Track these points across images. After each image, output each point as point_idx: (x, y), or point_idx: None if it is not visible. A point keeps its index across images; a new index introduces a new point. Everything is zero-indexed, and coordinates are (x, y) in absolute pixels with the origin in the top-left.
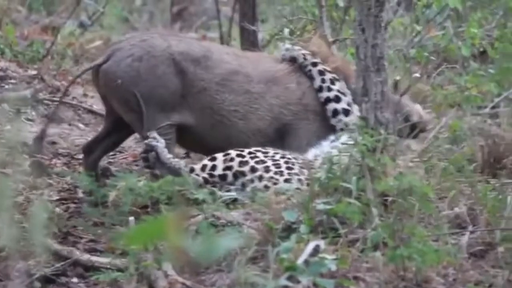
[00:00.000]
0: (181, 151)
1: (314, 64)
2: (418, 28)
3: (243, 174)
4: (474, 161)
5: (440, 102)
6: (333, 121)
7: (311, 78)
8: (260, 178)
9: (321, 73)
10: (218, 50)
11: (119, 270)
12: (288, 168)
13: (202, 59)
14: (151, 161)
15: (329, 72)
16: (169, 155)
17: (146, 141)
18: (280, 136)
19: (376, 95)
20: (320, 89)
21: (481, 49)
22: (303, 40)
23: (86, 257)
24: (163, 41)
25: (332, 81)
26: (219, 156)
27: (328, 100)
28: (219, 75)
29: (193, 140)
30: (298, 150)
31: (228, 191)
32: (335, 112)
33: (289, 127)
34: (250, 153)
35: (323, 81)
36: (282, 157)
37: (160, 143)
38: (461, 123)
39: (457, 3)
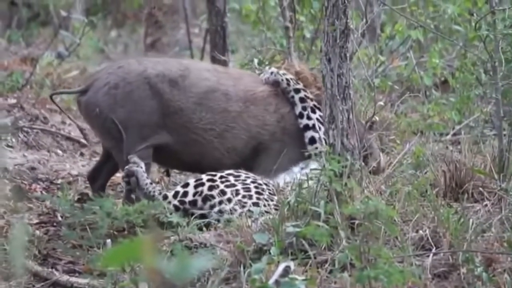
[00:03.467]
0: (161, 169)
1: (297, 91)
2: (382, 58)
3: (212, 197)
4: (436, 185)
5: (403, 129)
6: (310, 148)
7: (292, 104)
8: (229, 200)
9: (303, 100)
10: (197, 68)
11: None
12: (257, 192)
13: (179, 79)
14: (132, 186)
15: (311, 99)
16: (147, 181)
17: (127, 166)
18: (254, 154)
19: (342, 122)
20: (300, 116)
21: (443, 79)
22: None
23: (65, 278)
24: (139, 66)
25: (313, 109)
26: (191, 182)
27: (306, 127)
28: (197, 94)
29: (170, 158)
30: (267, 169)
31: (205, 216)
32: (312, 140)
33: (264, 146)
34: (221, 177)
35: (304, 108)
36: (253, 182)
37: (140, 168)
38: (424, 149)
39: (419, 34)
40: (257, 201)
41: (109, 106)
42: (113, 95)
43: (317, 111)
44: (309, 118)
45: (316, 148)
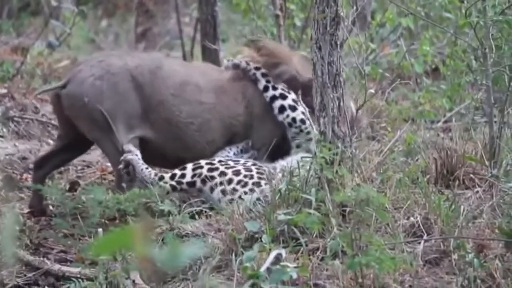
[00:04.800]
0: None
1: (257, 68)
2: (373, 46)
3: (212, 178)
4: (428, 172)
5: (394, 117)
6: (280, 117)
7: (255, 81)
8: (230, 181)
9: (265, 75)
10: (168, 61)
11: (89, 279)
12: (259, 172)
13: (156, 69)
14: (132, 174)
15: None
16: (143, 166)
17: (122, 157)
18: (228, 144)
19: (333, 110)
20: (265, 89)
21: (433, 66)
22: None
23: (57, 267)
24: (119, 59)
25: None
26: (189, 165)
27: (274, 97)
28: (173, 85)
29: (153, 154)
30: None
31: (203, 202)
32: (282, 108)
33: (239, 136)
34: (220, 161)
35: (268, 81)
36: (254, 164)
37: (135, 155)
38: (415, 136)
39: (409, 22)
40: (258, 180)
41: (96, 97)
42: (99, 86)
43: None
44: (274, 88)
45: (287, 115)
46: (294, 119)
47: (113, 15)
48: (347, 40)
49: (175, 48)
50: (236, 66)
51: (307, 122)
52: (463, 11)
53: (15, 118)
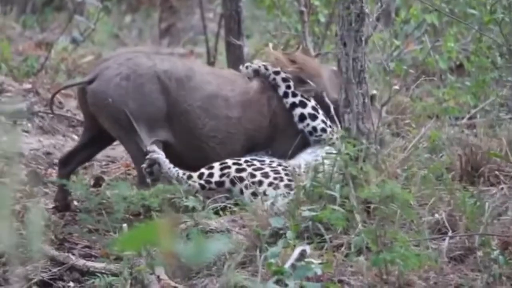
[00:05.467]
0: None
1: (277, 73)
2: (397, 42)
3: (241, 179)
4: (452, 169)
5: (419, 113)
6: (300, 125)
7: (275, 86)
8: (260, 183)
9: (285, 80)
10: (200, 70)
11: (114, 274)
12: (286, 174)
13: (185, 78)
14: (156, 174)
15: (292, 79)
16: (170, 165)
17: (147, 156)
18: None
19: (358, 106)
20: (285, 95)
21: (458, 63)
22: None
23: (81, 262)
24: (148, 60)
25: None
26: (216, 165)
27: (294, 105)
28: (201, 98)
29: (173, 157)
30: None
31: (228, 198)
32: (302, 117)
33: (260, 147)
34: (246, 161)
35: (288, 87)
36: (279, 165)
37: (160, 155)
38: (440, 133)
39: (434, 18)
40: (288, 182)
41: (120, 97)
42: (124, 87)
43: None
44: (294, 95)
45: (308, 124)
46: (314, 128)
47: (137, 10)
48: (372, 36)
49: (199, 44)
50: (256, 72)
51: (328, 130)
52: (488, 7)
53: (40, 113)
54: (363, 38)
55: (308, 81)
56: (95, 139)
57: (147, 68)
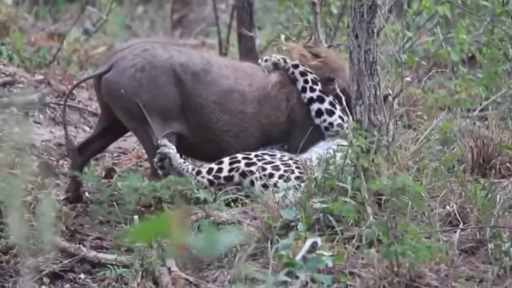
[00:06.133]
0: None
1: (295, 66)
2: (409, 34)
3: (251, 172)
4: (464, 161)
5: (431, 105)
6: (317, 121)
7: (294, 80)
8: (271, 176)
9: (303, 74)
10: (218, 63)
11: (125, 266)
12: (297, 167)
13: (202, 72)
14: (166, 168)
15: (310, 72)
16: (180, 160)
17: (158, 150)
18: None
19: (369, 98)
20: (303, 90)
21: (470, 54)
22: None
23: (92, 254)
24: (165, 51)
25: (314, 82)
26: (226, 159)
27: (311, 100)
28: (217, 93)
29: (187, 149)
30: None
31: (239, 190)
32: (319, 112)
33: (275, 141)
34: (256, 155)
35: (305, 81)
36: (290, 158)
37: (172, 149)
38: (452, 125)
39: (446, 10)
40: (299, 175)
41: (134, 88)
42: (138, 79)
43: (319, 83)
44: (312, 90)
45: (325, 120)
46: (331, 124)
47: (149, 1)
48: (384, 28)
49: (211, 35)
50: (275, 65)
51: (345, 126)
52: None
53: (52, 105)
54: (375, 30)
55: (335, 78)
56: (110, 129)
57: (163, 61)
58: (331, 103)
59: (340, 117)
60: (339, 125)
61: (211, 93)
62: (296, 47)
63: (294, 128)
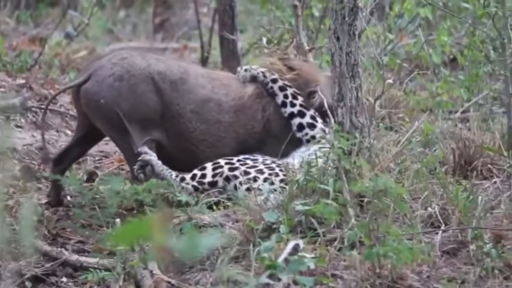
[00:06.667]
0: None
1: (274, 81)
2: (391, 36)
3: (235, 177)
4: (445, 163)
5: (412, 107)
6: (299, 134)
7: (273, 95)
8: (255, 179)
9: (282, 89)
10: (195, 72)
11: (107, 269)
12: (281, 170)
13: (179, 81)
14: (148, 175)
15: (290, 86)
16: (163, 167)
17: (139, 157)
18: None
19: (351, 100)
20: (283, 105)
21: (451, 57)
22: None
23: (74, 257)
24: (143, 60)
25: (294, 96)
26: (208, 165)
27: (292, 115)
28: (194, 102)
29: (164, 158)
30: None
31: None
32: (301, 127)
33: (251, 151)
34: (239, 160)
35: (285, 96)
36: (273, 162)
37: (153, 157)
38: (433, 127)
39: (427, 12)
40: (283, 177)
41: (113, 98)
42: (117, 88)
43: (298, 97)
44: (292, 105)
45: (306, 133)
46: (313, 137)
47: (131, 5)
48: (365, 30)
49: (193, 39)
50: (253, 78)
51: (327, 137)
52: (481, 1)
53: (33, 109)
54: (356, 32)
55: (316, 91)
56: (88, 136)
57: (142, 69)
58: (312, 117)
59: (322, 129)
60: (321, 137)
61: (189, 102)
62: (270, 60)
63: (269, 138)
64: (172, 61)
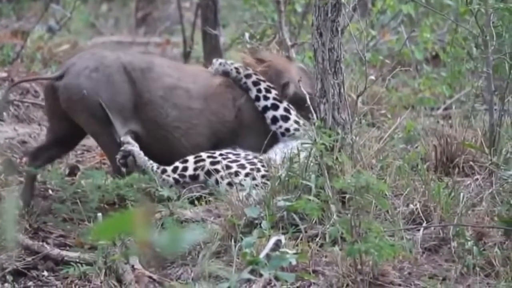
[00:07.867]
0: None
1: (248, 76)
2: (373, 32)
3: (216, 171)
4: (427, 160)
5: (394, 103)
6: (273, 127)
7: (246, 89)
8: (236, 174)
9: (256, 83)
10: (160, 63)
11: (88, 264)
12: (263, 165)
13: (146, 69)
14: (130, 166)
15: (263, 81)
16: (145, 158)
17: (121, 148)
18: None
19: (333, 97)
20: (257, 99)
21: (434, 53)
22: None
23: (56, 251)
24: (112, 53)
25: (268, 90)
26: (190, 158)
27: (266, 108)
28: (162, 88)
29: (142, 149)
30: None
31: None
32: (274, 119)
33: (225, 142)
34: (221, 154)
35: (259, 91)
36: (255, 157)
37: (135, 147)
38: (415, 123)
39: (410, 9)
40: (265, 173)
41: (93, 88)
42: (96, 78)
43: (272, 90)
44: (266, 98)
45: (280, 126)
46: (287, 129)
47: None
48: (348, 26)
49: (175, 33)
50: (226, 73)
51: (301, 129)
52: None
53: (15, 102)
54: (339, 28)
55: (289, 82)
56: (59, 142)
57: (113, 60)
58: (285, 109)
59: (295, 121)
60: (295, 129)
61: (158, 88)
62: (240, 55)
63: (242, 129)
64: (138, 54)
